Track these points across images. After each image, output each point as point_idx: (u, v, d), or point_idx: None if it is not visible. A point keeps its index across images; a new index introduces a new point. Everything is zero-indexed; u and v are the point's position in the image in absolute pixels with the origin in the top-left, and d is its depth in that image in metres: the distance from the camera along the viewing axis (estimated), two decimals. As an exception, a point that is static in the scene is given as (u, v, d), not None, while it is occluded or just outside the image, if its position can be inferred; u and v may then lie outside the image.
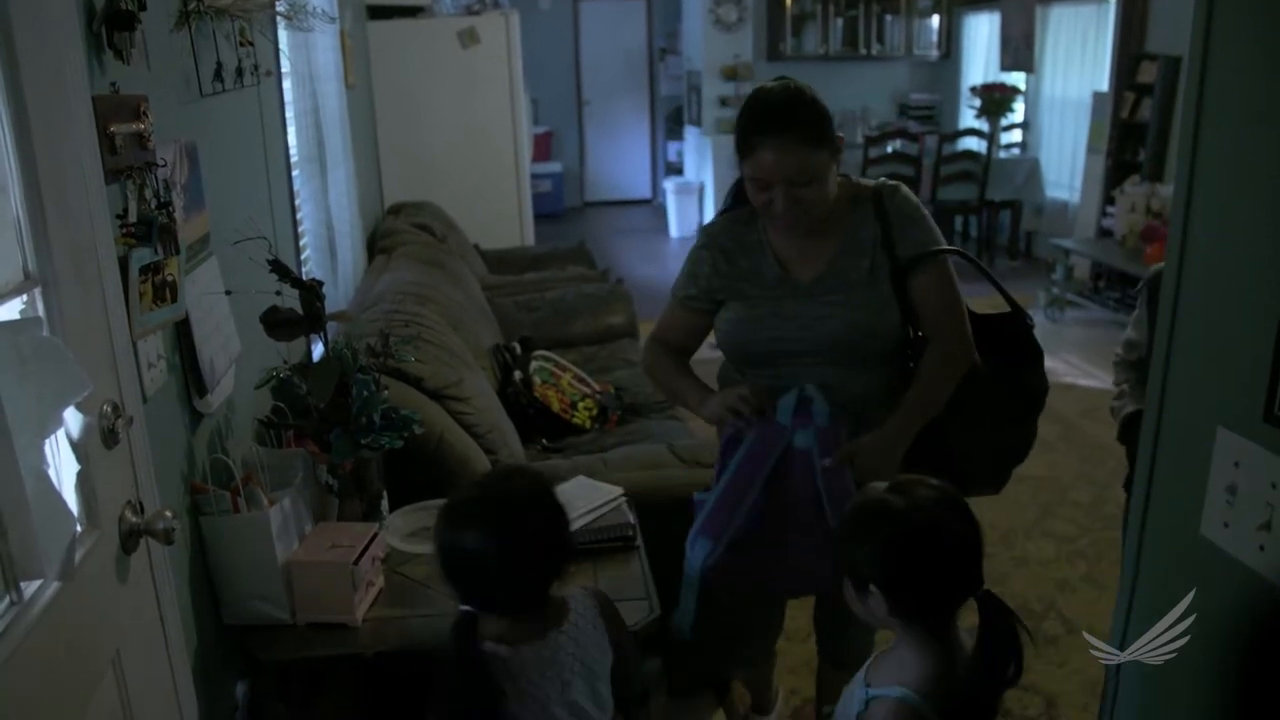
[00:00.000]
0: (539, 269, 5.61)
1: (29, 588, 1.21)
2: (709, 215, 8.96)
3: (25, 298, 1.28)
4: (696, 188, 9.45)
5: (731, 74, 9.00)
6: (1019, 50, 8.03)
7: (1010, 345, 2.05)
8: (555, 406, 3.54)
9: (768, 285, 2.00)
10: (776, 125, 1.82)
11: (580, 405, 3.62)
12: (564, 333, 4.53)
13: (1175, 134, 6.13)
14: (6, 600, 1.18)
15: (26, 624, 1.19)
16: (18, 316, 1.25)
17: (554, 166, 10.62)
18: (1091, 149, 7.01)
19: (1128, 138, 6.66)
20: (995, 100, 8.02)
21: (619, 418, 3.66)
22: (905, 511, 1.38)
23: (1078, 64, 7.47)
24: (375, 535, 2.11)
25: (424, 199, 5.63)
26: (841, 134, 1.92)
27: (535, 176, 8.02)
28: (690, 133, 10.01)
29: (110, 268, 1.51)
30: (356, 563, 2.00)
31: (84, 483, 1.36)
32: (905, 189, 2.01)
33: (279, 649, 1.99)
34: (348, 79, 4.47)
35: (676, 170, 10.48)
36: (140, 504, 1.52)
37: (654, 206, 11.04)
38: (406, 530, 2.33)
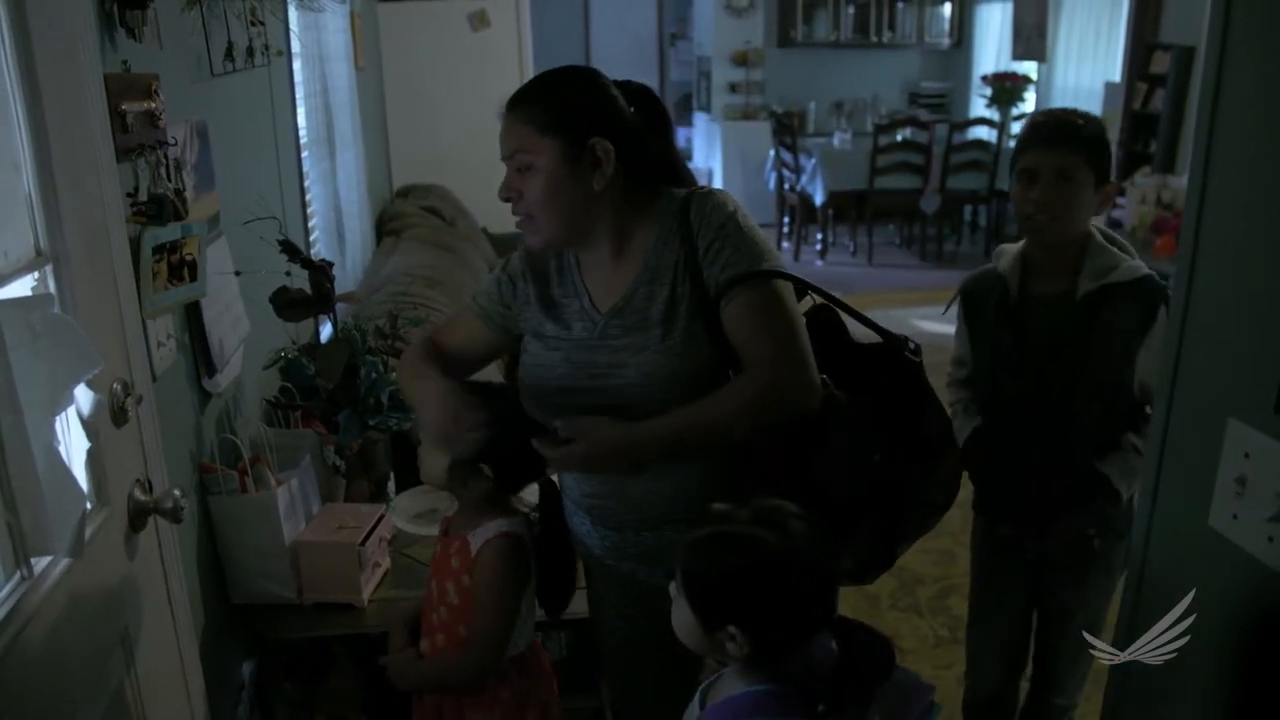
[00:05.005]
0: (547, 253, 5.60)
1: (39, 564, 1.22)
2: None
3: (37, 275, 1.29)
4: (705, 174, 9.43)
5: (742, 60, 8.97)
6: (1031, 39, 7.98)
7: (890, 379, 1.64)
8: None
9: (571, 320, 1.62)
10: (514, 97, 1.57)
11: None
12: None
13: (1187, 125, 6.10)
14: (18, 576, 1.19)
15: (37, 599, 1.20)
16: (29, 293, 1.26)
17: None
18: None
19: (1139, 128, 6.63)
20: (1006, 89, 7.99)
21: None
22: (780, 551, 1.24)
23: (1090, 54, 7.43)
24: (382, 516, 2.12)
25: (433, 182, 5.62)
26: (610, 144, 1.53)
27: (544, 161, 7.98)
28: (699, 119, 9.99)
29: (121, 246, 1.51)
30: (363, 543, 2.01)
31: (94, 460, 1.36)
32: (720, 194, 1.61)
33: (285, 628, 2.01)
34: (357, 60, 4.46)
35: (685, 156, 10.44)
36: (149, 482, 1.52)
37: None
38: (413, 512, 2.33)
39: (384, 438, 2.32)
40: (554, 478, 1.76)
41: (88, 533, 1.30)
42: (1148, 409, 1.86)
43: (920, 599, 3.29)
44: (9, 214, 1.26)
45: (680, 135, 10.87)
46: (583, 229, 1.58)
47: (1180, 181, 5.88)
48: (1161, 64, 6.37)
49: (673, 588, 1.31)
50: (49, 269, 1.30)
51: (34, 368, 1.16)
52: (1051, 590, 2.09)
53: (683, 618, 1.30)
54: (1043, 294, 1.93)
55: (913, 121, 7.90)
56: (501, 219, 6.82)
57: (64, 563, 1.26)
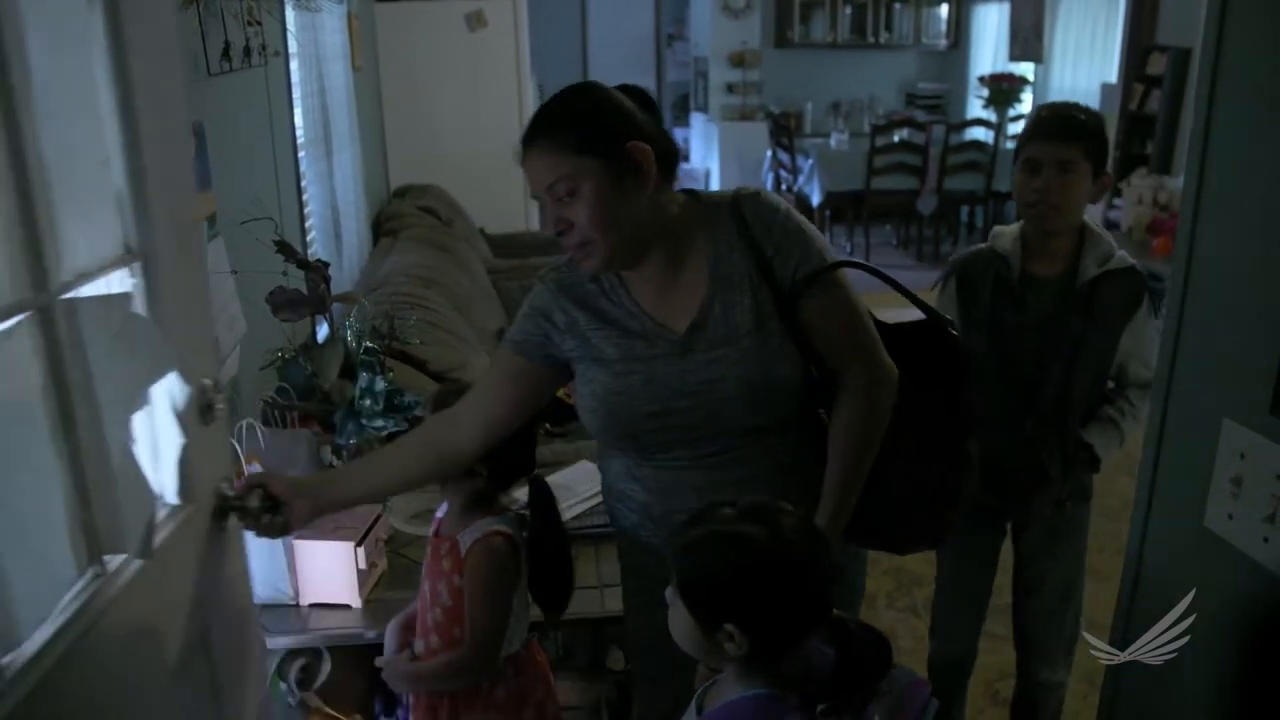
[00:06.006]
0: (544, 253, 5.60)
1: (114, 561, 1.21)
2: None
3: (125, 272, 1.27)
4: (702, 174, 9.44)
5: (739, 61, 8.97)
6: (1028, 40, 7.99)
7: (930, 359, 1.66)
8: (558, 390, 3.54)
9: (633, 343, 1.58)
10: (535, 128, 1.50)
11: (584, 390, 3.62)
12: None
13: (1184, 127, 6.11)
14: (90, 573, 1.17)
15: (110, 596, 1.18)
16: (109, 291, 1.24)
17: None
18: (1101, 140, 6.98)
19: (1136, 130, 6.64)
20: (1003, 90, 8.00)
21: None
22: (773, 545, 1.24)
23: (1087, 55, 7.44)
24: (379, 517, 2.12)
25: (429, 182, 5.62)
26: (645, 144, 1.50)
27: (541, 161, 7.98)
28: (696, 119, 9.99)
29: (204, 245, 1.52)
30: (360, 544, 2.01)
31: (182, 458, 1.36)
32: (767, 194, 1.61)
33: (282, 629, 2.00)
34: (354, 61, 4.46)
35: (683, 157, 10.43)
36: (232, 480, 1.54)
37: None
38: (410, 513, 2.33)
39: (380, 438, 2.32)
40: (546, 479, 1.76)
41: (170, 530, 1.30)
42: (1110, 384, 2.09)
43: (917, 599, 3.29)
44: (98, 211, 1.24)
45: (678, 136, 10.88)
46: (640, 241, 1.54)
47: (1176, 182, 5.89)
48: (1158, 65, 6.38)
49: (669, 592, 1.30)
50: (138, 266, 1.28)
51: (112, 366, 1.16)
52: (1027, 558, 2.22)
53: (680, 621, 1.30)
54: (1040, 275, 2.05)
55: (910, 122, 7.91)
56: (498, 219, 6.81)
57: (139, 561, 1.25)
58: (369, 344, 2.40)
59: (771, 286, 1.55)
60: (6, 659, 1.01)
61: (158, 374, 1.25)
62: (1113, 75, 6.90)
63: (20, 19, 1.03)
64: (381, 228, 4.79)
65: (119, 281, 1.25)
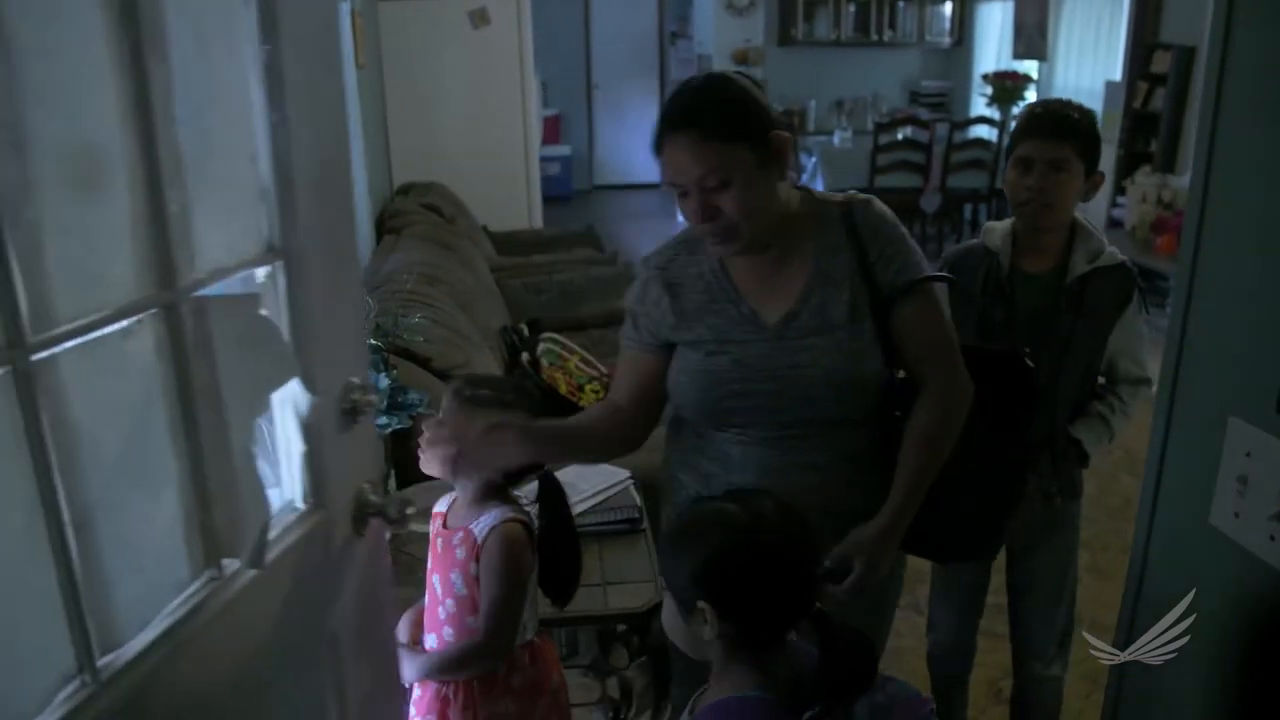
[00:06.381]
0: (547, 251, 5.61)
1: (231, 565, 1.17)
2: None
3: (266, 269, 1.22)
4: (705, 172, 9.42)
5: (743, 59, 8.97)
6: (1032, 38, 7.98)
7: (1003, 383, 1.72)
8: (563, 389, 3.55)
9: (729, 326, 1.65)
10: (683, 118, 1.55)
11: (587, 388, 3.62)
12: (572, 315, 4.54)
13: (1188, 125, 6.10)
14: (206, 576, 1.14)
15: (224, 600, 1.14)
16: (255, 289, 1.21)
17: (563, 149, 10.59)
18: (1103, 139, 6.96)
19: (1140, 128, 6.64)
20: (1007, 88, 7.98)
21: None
22: (748, 523, 1.26)
23: (1091, 53, 7.43)
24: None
25: (433, 180, 5.62)
26: (786, 133, 1.57)
27: (544, 159, 8.01)
28: (700, 117, 9.96)
29: (354, 244, 1.44)
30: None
31: (311, 463, 1.30)
32: (878, 203, 1.69)
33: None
34: (358, 58, 4.46)
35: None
36: (380, 484, 1.48)
37: (663, 191, 10.99)
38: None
39: (383, 435, 2.32)
40: (555, 472, 1.78)
41: (298, 535, 1.25)
42: (1101, 379, 2.09)
43: (919, 598, 3.27)
44: (240, 206, 1.19)
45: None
46: (771, 229, 1.60)
47: (1180, 181, 5.89)
48: (1162, 63, 6.37)
49: (665, 591, 1.31)
50: (280, 265, 1.22)
51: (238, 369, 1.13)
52: (1018, 553, 2.22)
53: (668, 613, 1.31)
54: (1031, 271, 2.05)
55: (913, 120, 7.90)
56: (501, 216, 6.81)
57: (258, 561, 1.19)
58: (373, 341, 2.40)
59: (870, 288, 1.62)
60: (105, 659, 0.98)
61: (279, 379, 1.21)
62: (1117, 73, 6.89)
63: (161, 13, 1.00)
64: (385, 225, 4.80)
65: (258, 279, 1.20)
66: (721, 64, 9.03)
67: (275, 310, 1.23)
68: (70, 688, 0.95)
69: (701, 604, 1.23)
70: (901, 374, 1.69)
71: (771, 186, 1.57)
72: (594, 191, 11.08)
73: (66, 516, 0.92)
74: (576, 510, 2.30)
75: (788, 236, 1.63)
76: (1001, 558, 2.26)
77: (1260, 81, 1.16)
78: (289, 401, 1.26)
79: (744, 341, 1.64)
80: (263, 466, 1.20)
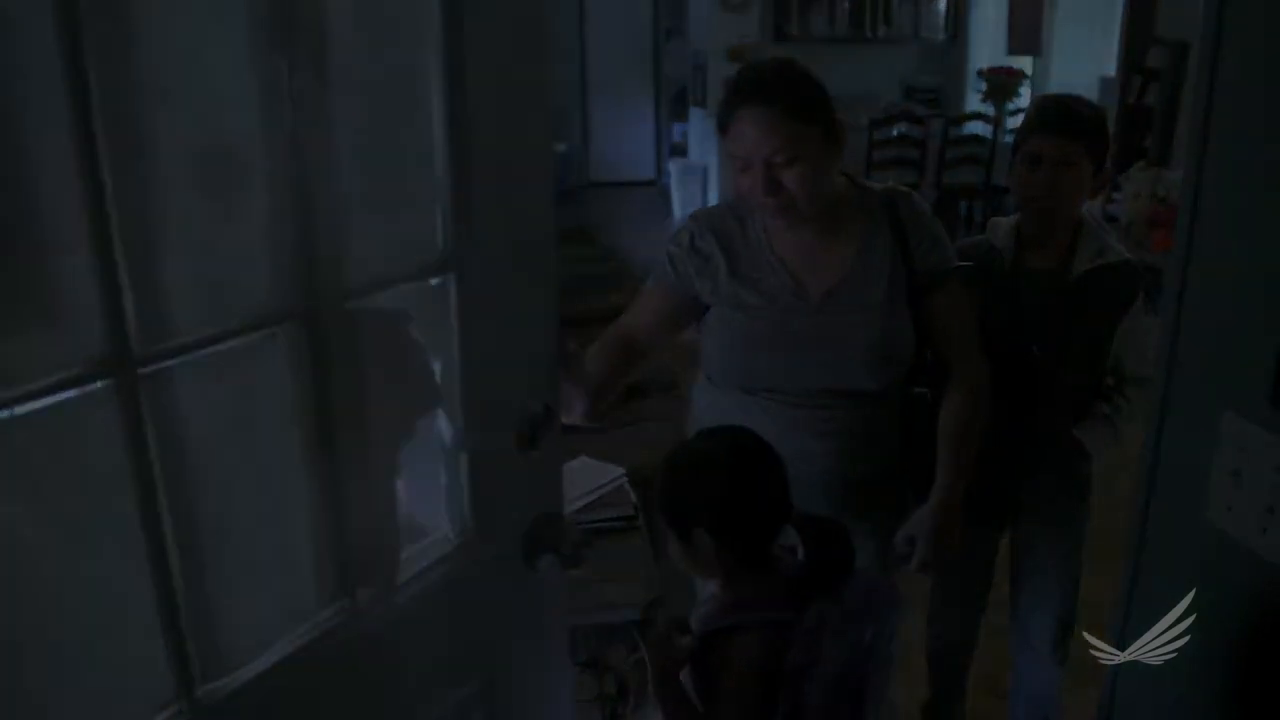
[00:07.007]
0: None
1: (365, 594, 1.10)
2: (713, 198, 8.93)
3: (436, 281, 1.13)
4: (700, 169, 9.41)
5: (738, 55, 8.93)
6: (1026, 33, 7.98)
7: (1004, 372, 1.89)
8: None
9: (772, 295, 1.74)
10: (759, 94, 1.61)
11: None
12: (566, 312, 4.52)
13: (1182, 119, 6.11)
14: (336, 605, 1.07)
15: (357, 631, 1.08)
16: (387, 305, 1.12)
17: (558, 146, 10.57)
18: (1101, 134, 6.98)
19: (1134, 122, 6.63)
20: (1002, 84, 7.98)
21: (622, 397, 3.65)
22: (729, 455, 1.46)
23: (1085, 48, 7.43)
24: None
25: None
26: (843, 119, 1.70)
27: (539, 156, 7.96)
28: (695, 114, 9.95)
29: (546, 257, 1.31)
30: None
31: (476, 492, 1.23)
32: (916, 196, 1.83)
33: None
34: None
35: (681, 151, 10.43)
36: (547, 516, 1.35)
37: (658, 187, 11.00)
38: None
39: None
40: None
41: (453, 566, 1.18)
42: (1109, 380, 2.08)
43: (918, 592, 3.28)
44: (409, 212, 1.12)
45: (675, 130, 10.87)
46: (826, 205, 1.71)
47: (1174, 175, 5.89)
48: (1156, 58, 6.37)
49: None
50: (451, 277, 1.13)
51: (383, 390, 1.06)
52: (1021, 549, 2.22)
53: (673, 546, 1.48)
54: (1036, 268, 2.05)
55: (908, 116, 7.88)
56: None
57: (397, 593, 1.13)
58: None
59: (909, 272, 1.74)
60: (207, 687, 0.93)
61: (423, 405, 1.14)
62: (1111, 68, 6.89)
63: (325, 12, 0.92)
64: (380, 223, 4.80)
65: (426, 291, 1.12)
66: (717, 61, 9.01)
67: (445, 325, 1.14)
68: (163, 716, 0.90)
69: (699, 531, 1.42)
70: (929, 356, 1.83)
71: (832, 168, 1.70)
72: (589, 188, 11.07)
73: (170, 537, 0.86)
74: (571, 508, 2.30)
75: (834, 216, 1.73)
76: (1005, 551, 2.26)
77: (1252, 76, 1.16)
78: (446, 427, 1.17)
79: (787, 310, 1.73)
80: (413, 494, 1.14)
